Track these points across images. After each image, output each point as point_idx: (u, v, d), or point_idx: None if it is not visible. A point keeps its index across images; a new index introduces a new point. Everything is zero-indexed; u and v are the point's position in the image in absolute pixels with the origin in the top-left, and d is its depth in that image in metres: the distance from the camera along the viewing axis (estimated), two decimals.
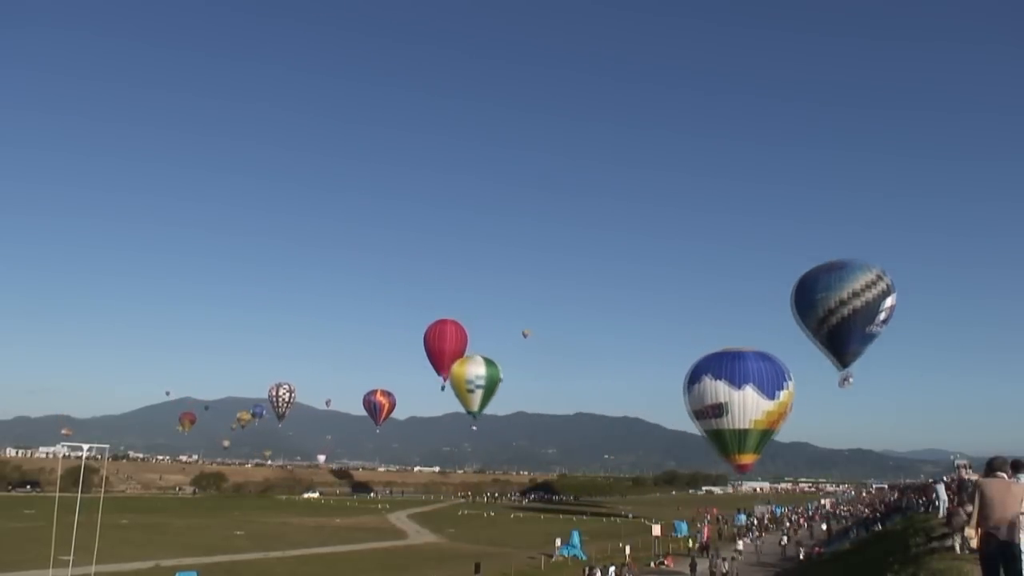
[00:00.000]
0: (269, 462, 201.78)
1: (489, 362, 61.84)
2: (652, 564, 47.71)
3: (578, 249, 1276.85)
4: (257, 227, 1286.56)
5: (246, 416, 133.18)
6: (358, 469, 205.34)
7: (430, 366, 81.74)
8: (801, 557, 45.91)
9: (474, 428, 62.54)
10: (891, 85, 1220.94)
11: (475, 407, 64.86)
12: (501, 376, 60.87)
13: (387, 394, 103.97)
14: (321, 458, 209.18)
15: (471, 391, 64.32)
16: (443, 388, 77.80)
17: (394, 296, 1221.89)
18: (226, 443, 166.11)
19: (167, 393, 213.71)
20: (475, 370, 64.14)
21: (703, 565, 42.76)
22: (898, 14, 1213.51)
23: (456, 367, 66.00)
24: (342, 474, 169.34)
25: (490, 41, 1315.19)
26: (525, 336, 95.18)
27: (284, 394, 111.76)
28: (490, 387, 63.42)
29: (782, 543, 57.83)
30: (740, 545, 54.38)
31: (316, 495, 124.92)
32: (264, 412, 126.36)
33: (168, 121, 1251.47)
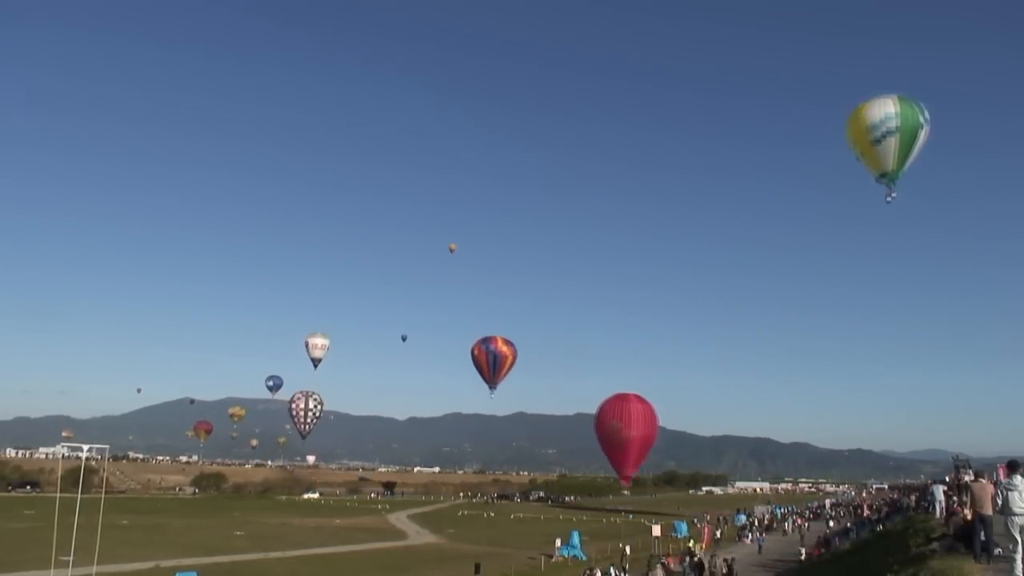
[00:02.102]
0: (268, 462, 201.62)
1: (904, 99, 37.81)
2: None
3: (578, 249, 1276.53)
4: (257, 227, 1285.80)
5: (240, 412, 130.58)
6: (358, 469, 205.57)
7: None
8: (801, 557, 45.93)
9: (891, 198, 36.98)
10: (892, 85, 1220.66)
11: (889, 164, 40.63)
12: (925, 118, 37.63)
13: (509, 343, 76.21)
14: (311, 459, 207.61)
15: (878, 141, 39.82)
16: (626, 492, 61.70)
17: (393, 296, 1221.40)
18: (254, 442, 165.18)
19: (138, 391, 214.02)
20: (883, 111, 41.41)
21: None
22: (898, 14, 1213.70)
23: (861, 110, 41.26)
24: (342, 474, 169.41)
25: (490, 41, 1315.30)
26: (452, 251, 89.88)
27: (314, 406, 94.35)
28: (908, 132, 37.81)
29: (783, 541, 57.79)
30: (743, 543, 54.37)
31: (316, 495, 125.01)
32: (283, 384, 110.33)
33: (168, 121, 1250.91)
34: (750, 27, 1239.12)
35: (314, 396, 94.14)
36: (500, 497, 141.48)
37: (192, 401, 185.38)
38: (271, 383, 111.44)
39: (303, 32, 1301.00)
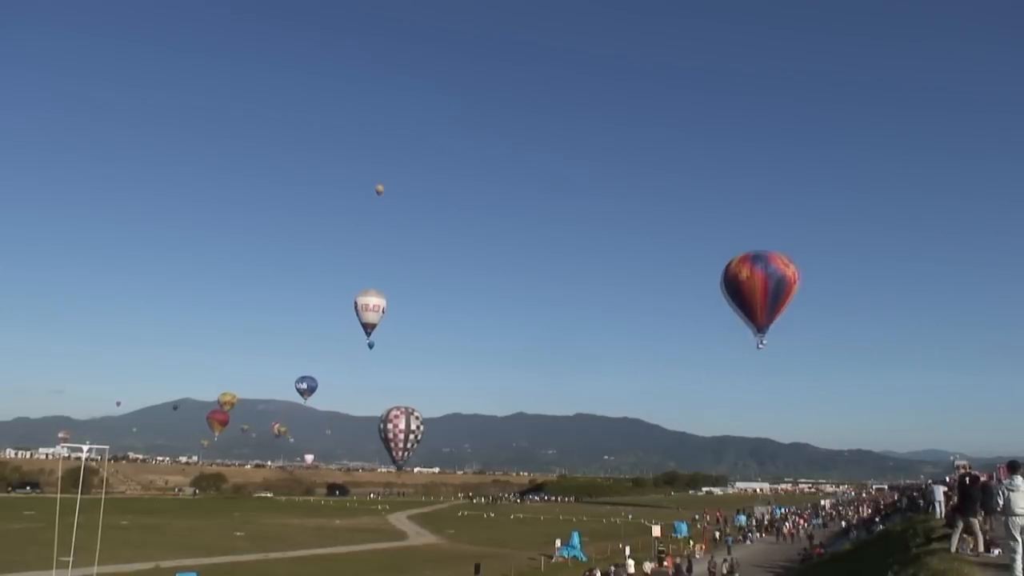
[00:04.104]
0: (268, 463, 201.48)
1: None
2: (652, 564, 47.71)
3: (578, 249, 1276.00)
4: (257, 227, 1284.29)
5: (231, 399, 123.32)
6: (358, 470, 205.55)
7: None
8: (801, 557, 45.96)
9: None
10: (893, 84, 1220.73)
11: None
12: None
13: (789, 260, 45.75)
14: (309, 457, 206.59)
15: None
16: None
17: (392, 296, 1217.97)
18: (279, 430, 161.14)
19: (118, 403, 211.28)
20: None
21: (701, 567, 42.72)
22: (899, 13, 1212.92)
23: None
24: (341, 474, 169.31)
25: (490, 41, 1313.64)
26: (379, 193, 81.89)
27: (416, 427, 74.49)
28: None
29: (781, 543, 57.88)
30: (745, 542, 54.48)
31: (314, 496, 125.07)
32: (317, 386, 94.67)
33: (168, 121, 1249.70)
34: (750, 27, 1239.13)
35: (416, 414, 75.86)
36: (499, 497, 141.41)
37: (176, 407, 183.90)
38: (303, 385, 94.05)
39: (303, 32, 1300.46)
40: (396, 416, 73.66)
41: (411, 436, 73.12)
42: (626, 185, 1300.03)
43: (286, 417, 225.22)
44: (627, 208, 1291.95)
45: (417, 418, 74.43)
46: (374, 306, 70.98)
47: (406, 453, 75.00)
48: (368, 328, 70.53)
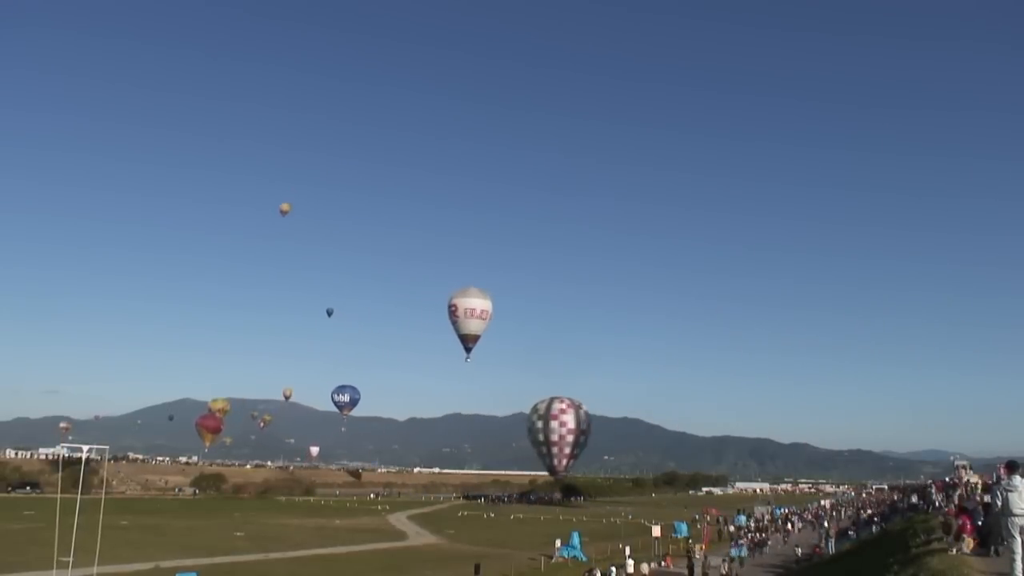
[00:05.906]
0: (268, 463, 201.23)
1: None
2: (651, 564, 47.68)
3: (578, 249, 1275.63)
4: (257, 227, 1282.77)
5: (223, 407, 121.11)
6: (358, 470, 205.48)
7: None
8: (801, 557, 45.94)
9: None
10: (893, 84, 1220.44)
11: None
12: None
13: None
14: (315, 450, 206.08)
15: None
16: None
17: (393, 296, 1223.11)
18: (265, 420, 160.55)
19: (96, 417, 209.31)
20: None
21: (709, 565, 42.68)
22: (899, 13, 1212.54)
23: None
24: (342, 474, 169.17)
25: (491, 41, 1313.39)
26: (284, 213, 71.09)
27: (587, 425, 57.20)
28: None
29: (782, 543, 57.85)
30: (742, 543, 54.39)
31: (314, 496, 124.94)
32: (360, 398, 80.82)
33: (168, 121, 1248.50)
34: (751, 27, 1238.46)
35: (584, 409, 58.28)
36: (498, 499, 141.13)
37: (171, 417, 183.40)
38: (344, 397, 77.08)
39: (303, 32, 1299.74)
40: (562, 411, 57.88)
41: (581, 438, 57.20)
42: (626, 185, 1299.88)
43: (286, 417, 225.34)
44: (627, 208, 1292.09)
45: (585, 415, 58.24)
46: (481, 311, 53.58)
47: (572, 460, 58.41)
48: (469, 341, 52.77)
